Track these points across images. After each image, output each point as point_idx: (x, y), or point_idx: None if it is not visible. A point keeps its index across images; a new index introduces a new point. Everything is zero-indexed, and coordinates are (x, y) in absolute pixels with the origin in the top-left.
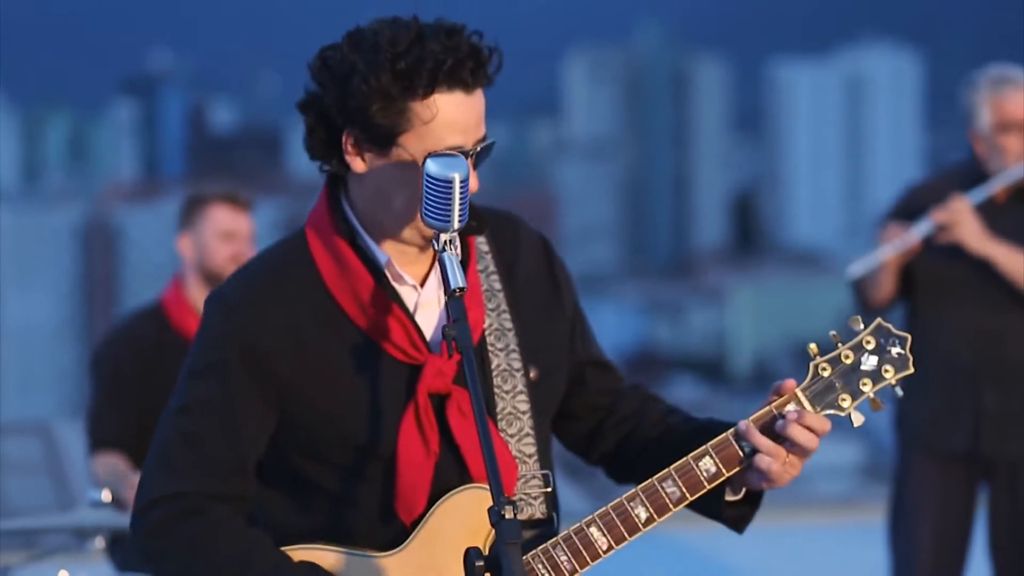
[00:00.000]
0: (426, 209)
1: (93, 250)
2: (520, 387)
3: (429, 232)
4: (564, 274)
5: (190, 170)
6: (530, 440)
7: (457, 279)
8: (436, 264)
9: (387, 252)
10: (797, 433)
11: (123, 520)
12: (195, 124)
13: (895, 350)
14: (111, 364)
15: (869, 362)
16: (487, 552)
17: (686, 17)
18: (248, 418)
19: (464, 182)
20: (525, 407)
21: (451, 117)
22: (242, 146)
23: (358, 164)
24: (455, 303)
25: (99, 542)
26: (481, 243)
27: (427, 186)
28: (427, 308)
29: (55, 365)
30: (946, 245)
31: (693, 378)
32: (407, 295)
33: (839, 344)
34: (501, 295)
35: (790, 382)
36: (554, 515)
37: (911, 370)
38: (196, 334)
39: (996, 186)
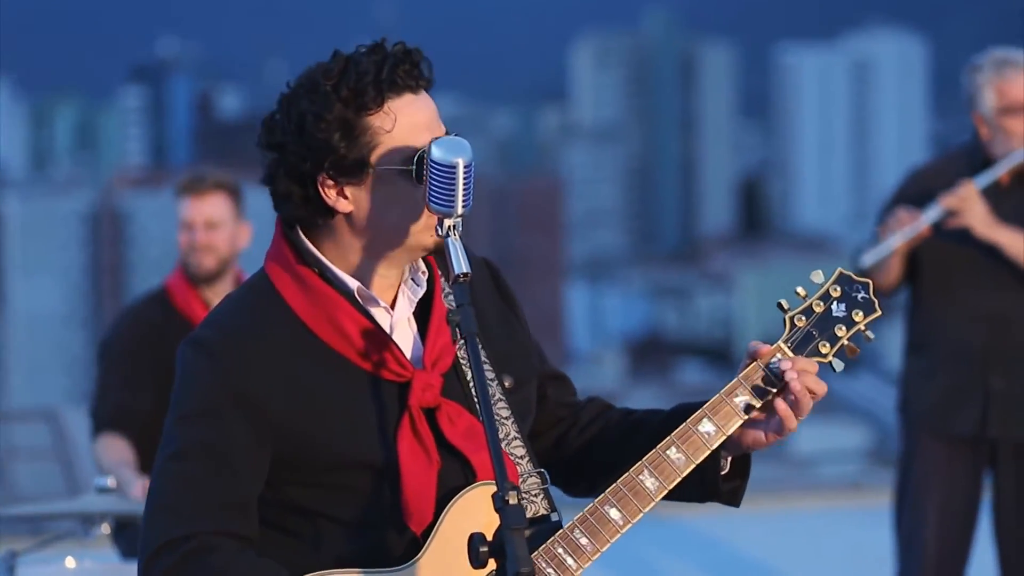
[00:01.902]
0: (431, 195)
1: (101, 237)
2: (498, 395)
3: (428, 241)
4: (512, 291)
5: (197, 157)
6: (518, 443)
7: (462, 264)
8: (403, 286)
9: (361, 279)
10: (804, 379)
11: (129, 506)
12: (202, 111)
13: (860, 295)
14: (119, 348)
15: (839, 308)
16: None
17: (693, 2)
18: (244, 459)
19: (468, 166)
20: (507, 413)
21: (411, 119)
22: (249, 133)
23: (343, 204)
24: (459, 289)
25: (105, 528)
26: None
27: (432, 172)
28: (400, 328)
29: (63, 352)
30: (953, 230)
31: (700, 363)
32: (380, 317)
33: (806, 297)
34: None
35: (758, 344)
36: (556, 511)
37: (879, 312)
38: (179, 380)
39: (1002, 169)
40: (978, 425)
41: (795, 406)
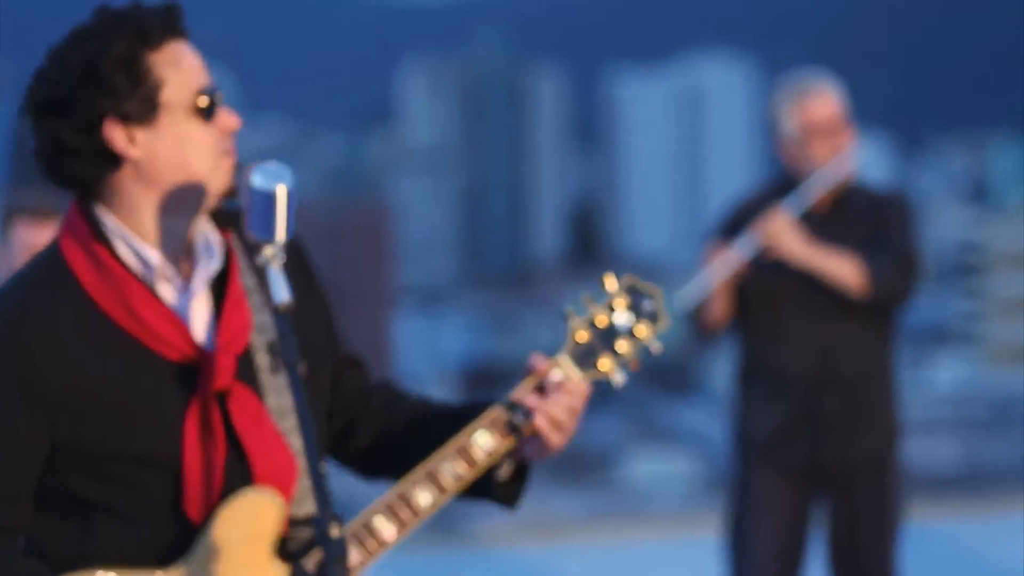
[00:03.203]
0: (251, 222)
1: None
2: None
3: (220, 186)
4: (316, 272)
5: (10, 180)
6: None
7: (282, 294)
8: (199, 259)
9: (156, 249)
10: (561, 399)
11: None
12: (16, 134)
13: (647, 307)
14: None
15: (624, 321)
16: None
17: (524, 27)
18: (21, 445)
19: (289, 194)
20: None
21: (190, 60)
22: None
23: (134, 150)
24: (280, 318)
25: None
26: (234, 240)
27: (252, 199)
28: (196, 305)
29: None
30: (773, 259)
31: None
32: (175, 295)
33: (591, 307)
34: (257, 293)
35: (541, 359)
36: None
37: (664, 325)
38: None
39: (809, 192)
40: (810, 453)
41: (548, 435)
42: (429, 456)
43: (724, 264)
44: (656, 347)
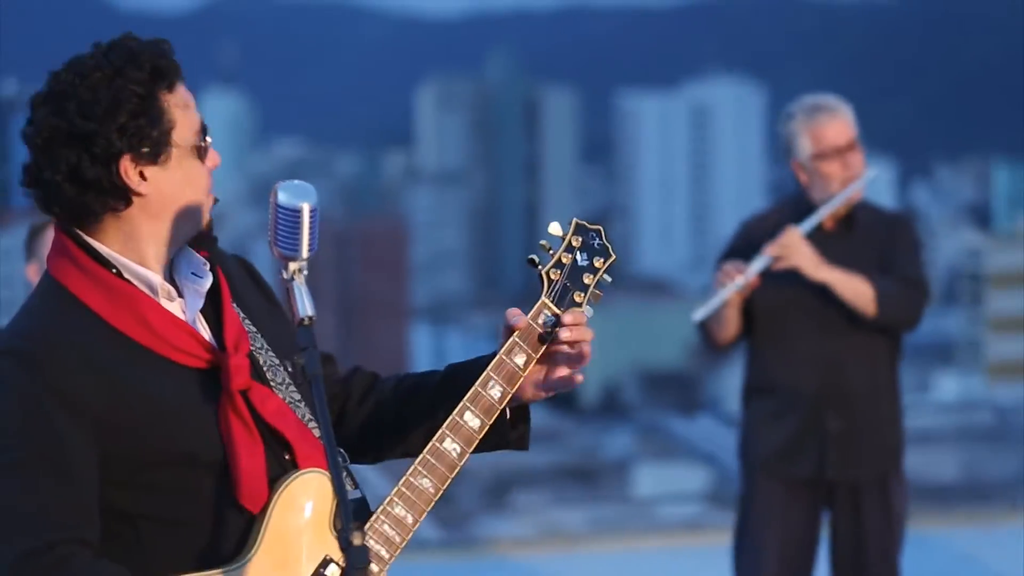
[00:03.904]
0: (277, 238)
1: None
2: (287, 380)
3: (204, 222)
4: (269, 286)
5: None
6: (313, 424)
7: (306, 308)
8: (185, 279)
9: (152, 271)
10: (576, 332)
11: None
12: None
13: (596, 242)
14: None
15: (583, 258)
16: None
17: (536, 48)
18: (81, 462)
19: (314, 210)
20: (298, 395)
21: (191, 101)
22: None
23: (144, 186)
24: (303, 331)
25: None
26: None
27: (279, 215)
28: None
29: None
30: (783, 276)
31: (542, 407)
32: (177, 308)
33: (551, 251)
34: (233, 304)
35: (515, 312)
36: (357, 487)
37: (614, 257)
38: None
39: (824, 212)
40: (816, 467)
41: (577, 357)
42: (429, 421)
43: (738, 281)
44: (609, 279)
